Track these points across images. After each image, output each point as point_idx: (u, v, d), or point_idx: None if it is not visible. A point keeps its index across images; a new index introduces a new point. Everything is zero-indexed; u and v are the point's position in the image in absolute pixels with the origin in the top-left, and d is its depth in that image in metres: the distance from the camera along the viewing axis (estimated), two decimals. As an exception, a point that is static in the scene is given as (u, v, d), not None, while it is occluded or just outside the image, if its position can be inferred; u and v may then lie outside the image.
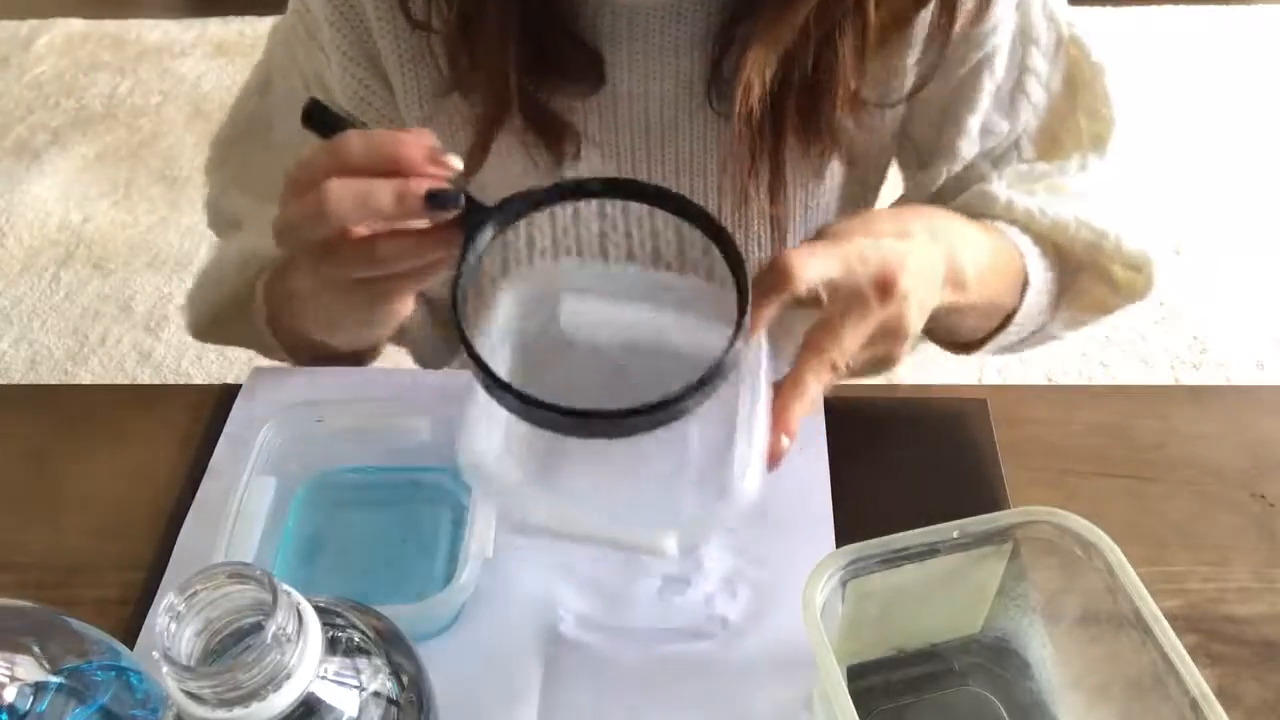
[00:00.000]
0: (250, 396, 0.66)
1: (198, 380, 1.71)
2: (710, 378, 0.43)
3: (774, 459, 0.48)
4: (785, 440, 0.49)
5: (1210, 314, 1.74)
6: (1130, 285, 0.69)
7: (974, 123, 0.68)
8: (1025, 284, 0.67)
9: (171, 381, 1.71)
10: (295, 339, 0.69)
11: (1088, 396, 0.67)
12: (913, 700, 0.52)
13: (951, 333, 0.71)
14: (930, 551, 0.47)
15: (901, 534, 0.47)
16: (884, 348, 0.52)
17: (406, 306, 0.57)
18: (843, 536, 0.57)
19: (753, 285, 0.47)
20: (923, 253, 0.53)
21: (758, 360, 0.49)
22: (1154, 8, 2.37)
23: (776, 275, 0.48)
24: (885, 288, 0.49)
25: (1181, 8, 2.37)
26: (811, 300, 0.50)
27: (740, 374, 0.47)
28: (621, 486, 0.48)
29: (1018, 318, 0.68)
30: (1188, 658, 0.43)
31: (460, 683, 0.51)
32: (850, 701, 0.42)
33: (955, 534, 0.47)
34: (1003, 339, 0.70)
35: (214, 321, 0.72)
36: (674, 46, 0.62)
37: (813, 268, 0.49)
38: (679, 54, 0.63)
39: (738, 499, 0.45)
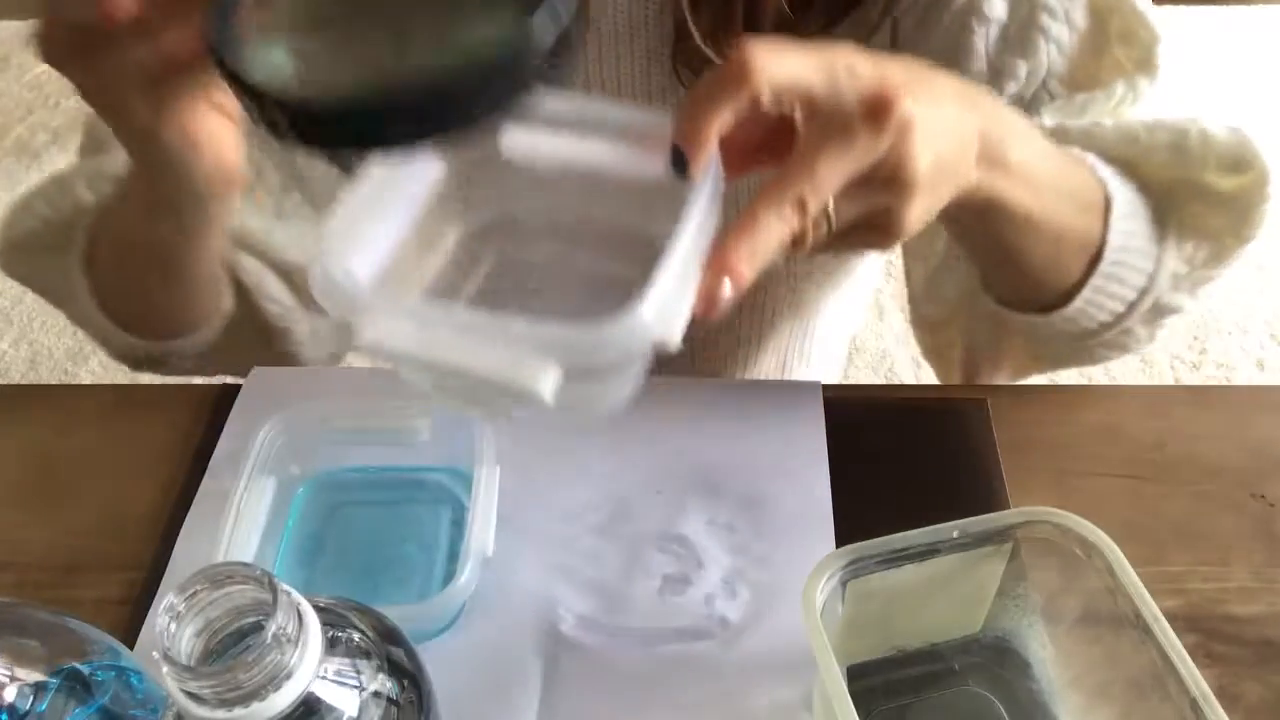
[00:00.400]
0: (250, 396, 0.66)
1: (198, 380, 1.71)
2: (496, 68, 0.34)
3: (707, 303, 0.39)
4: (727, 286, 0.39)
5: (1210, 314, 1.74)
6: (1242, 193, 0.56)
7: (975, 68, 0.60)
8: (1108, 206, 0.55)
9: (171, 381, 1.71)
10: (112, 273, 0.63)
11: (1088, 396, 0.67)
12: (913, 700, 0.52)
13: (1018, 263, 0.56)
14: (930, 551, 0.47)
15: (901, 534, 0.47)
16: (879, 199, 0.41)
17: (209, 137, 0.48)
18: (843, 536, 0.57)
19: (702, 84, 0.38)
20: (946, 102, 0.42)
21: (701, 186, 0.40)
22: (1154, 8, 2.37)
23: (732, 71, 0.38)
24: (879, 110, 0.39)
25: (1181, 8, 2.37)
26: (779, 127, 0.40)
27: (679, 203, 0.39)
28: (510, 320, 0.38)
29: (1109, 252, 0.55)
30: (1188, 658, 0.43)
31: (460, 683, 0.51)
32: (850, 701, 0.42)
33: (955, 534, 0.47)
34: (1100, 288, 0.56)
35: (30, 246, 0.66)
36: (643, 20, 0.61)
37: (783, 66, 0.38)
38: (648, 28, 0.61)
39: (630, 329, 0.36)
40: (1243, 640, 0.54)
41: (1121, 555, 0.46)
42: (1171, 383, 1.64)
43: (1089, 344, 0.62)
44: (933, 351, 0.75)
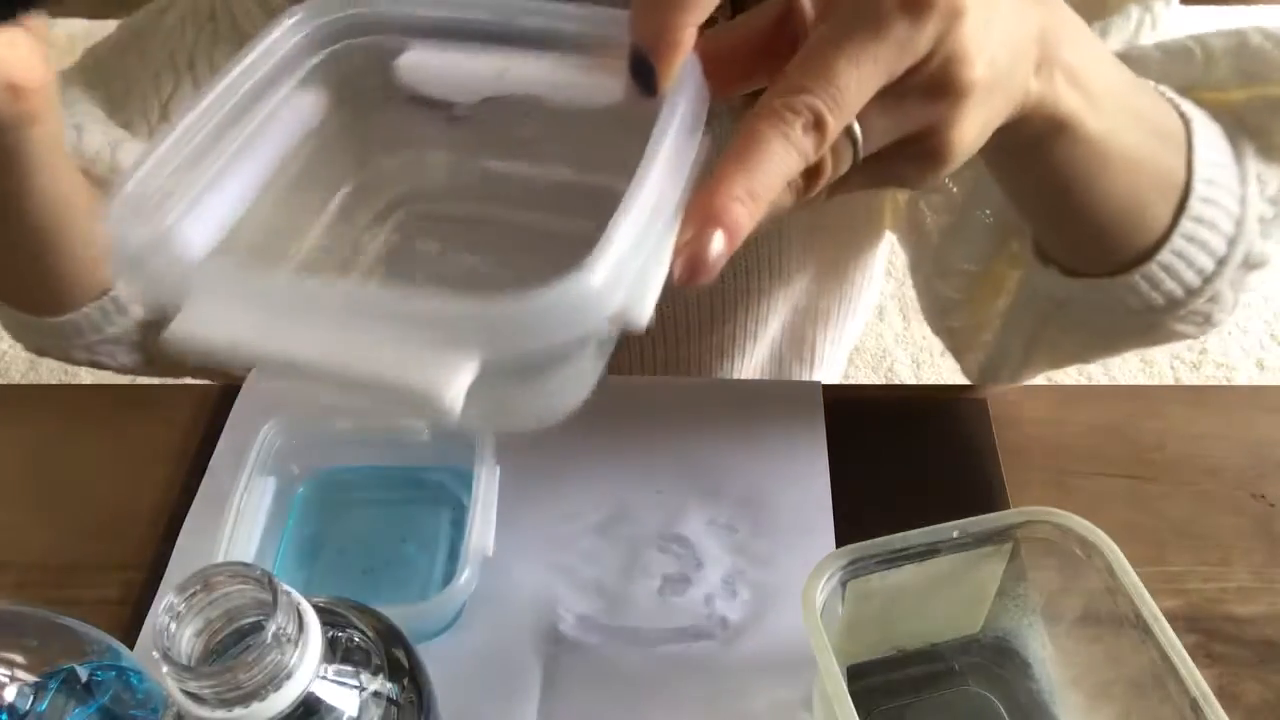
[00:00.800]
0: (250, 396, 0.66)
1: (198, 380, 1.71)
2: None
3: (690, 262, 0.28)
4: (718, 239, 0.28)
5: (1210, 314, 1.74)
6: None
7: None
8: (1188, 136, 0.45)
9: (171, 382, 1.71)
10: None
11: (1088, 396, 0.67)
12: (913, 700, 0.52)
13: (1088, 210, 0.44)
14: (930, 551, 0.47)
15: (901, 534, 0.47)
16: (922, 113, 0.31)
17: None
18: (843, 536, 0.57)
19: None
20: None
21: (674, 104, 0.29)
22: None
23: None
24: None
25: (1182, 8, 2.37)
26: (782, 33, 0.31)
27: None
28: (398, 294, 0.27)
29: (1199, 186, 0.45)
30: (1188, 658, 0.43)
31: (460, 683, 0.51)
32: (850, 701, 0.42)
33: (955, 534, 0.47)
34: (1192, 235, 0.46)
35: None
36: None
37: None
38: None
39: (574, 301, 0.25)
40: (1243, 640, 0.54)
41: (1121, 555, 0.46)
42: (1171, 382, 1.64)
43: (1169, 317, 0.51)
44: (955, 341, 0.66)
